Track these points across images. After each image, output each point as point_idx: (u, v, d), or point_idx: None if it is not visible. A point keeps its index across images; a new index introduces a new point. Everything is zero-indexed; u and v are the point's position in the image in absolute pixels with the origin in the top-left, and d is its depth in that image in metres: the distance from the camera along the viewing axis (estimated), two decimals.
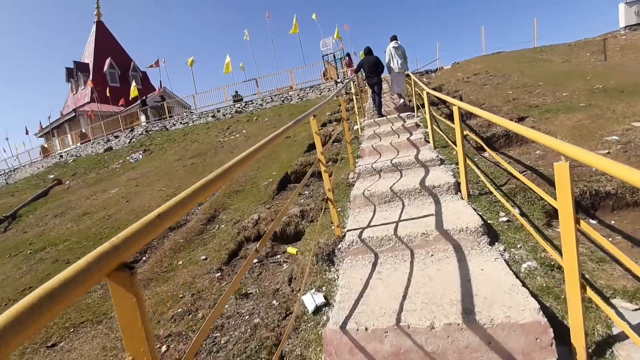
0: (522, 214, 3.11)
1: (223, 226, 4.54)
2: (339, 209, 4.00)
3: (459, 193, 3.61)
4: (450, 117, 7.42)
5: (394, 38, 8.73)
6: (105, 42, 32.65)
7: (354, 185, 4.69)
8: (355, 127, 7.72)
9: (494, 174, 3.83)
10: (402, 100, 9.24)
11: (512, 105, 6.67)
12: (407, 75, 10.66)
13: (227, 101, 17.83)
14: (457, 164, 4.63)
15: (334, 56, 17.62)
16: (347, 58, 17.63)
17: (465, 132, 4.20)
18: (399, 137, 6.39)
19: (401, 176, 4.45)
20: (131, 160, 14.66)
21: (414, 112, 8.23)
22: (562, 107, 5.55)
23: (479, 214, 3.06)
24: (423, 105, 8.78)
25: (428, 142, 5.68)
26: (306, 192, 5.13)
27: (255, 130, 11.91)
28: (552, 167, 1.87)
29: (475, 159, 4.85)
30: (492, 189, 3.15)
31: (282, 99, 16.29)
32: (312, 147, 7.88)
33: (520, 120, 5.54)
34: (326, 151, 6.48)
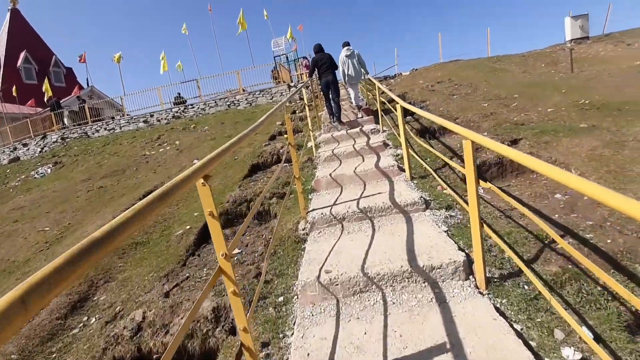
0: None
1: (93, 322, 2.75)
2: (281, 298, 2.45)
3: (471, 278, 2.23)
4: (422, 132, 6.23)
5: (346, 44, 7.46)
6: (21, 33, 27.86)
7: (305, 242, 3.18)
8: (309, 145, 6.25)
9: (518, 240, 2.52)
10: (360, 104, 7.95)
11: (493, 122, 5.61)
12: (370, 81, 9.47)
13: (163, 104, 15.43)
14: (447, 208, 3.32)
15: (287, 58, 16.06)
16: (305, 61, 16.18)
17: (443, 158, 2.87)
18: (363, 160, 5.00)
19: (373, 232, 3.01)
20: (36, 175, 11.80)
21: (376, 119, 6.98)
22: (560, 128, 4.53)
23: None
24: (385, 112, 7.60)
25: (403, 170, 4.36)
26: (240, 249, 3.50)
27: (191, 141, 9.95)
28: None
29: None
30: (538, 284, 1.81)
31: (228, 103, 14.37)
32: (256, 168, 6.26)
33: (514, 143, 4.42)
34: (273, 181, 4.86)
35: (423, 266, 2.21)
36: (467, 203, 2.49)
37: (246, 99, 14.27)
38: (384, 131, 6.37)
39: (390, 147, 5.40)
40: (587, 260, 1.46)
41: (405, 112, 7.40)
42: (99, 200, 6.54)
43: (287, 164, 6.13)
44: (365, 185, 4.17)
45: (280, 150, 6.58)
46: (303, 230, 3.37)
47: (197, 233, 3.84)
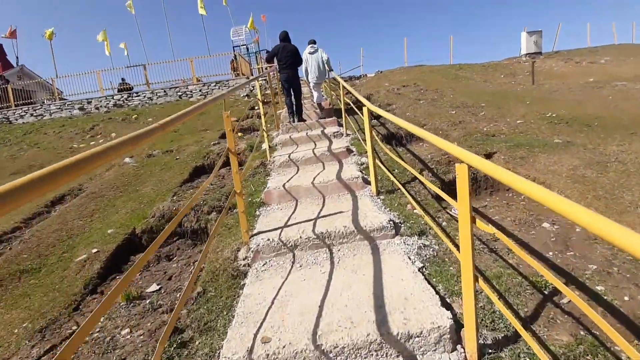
0: None
1: None
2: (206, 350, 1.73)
3: (459, 348, 1.66)
4: (389, 138, 5.73)
5: (311, 42, 6.72)
6: None
7: (245, 276, 2.46)
8: (263, 147, 5.49)
9: (511, 288, 2.00)
10: (319, 106, 7.32)
11: (462, 131, 5.25)
12: (335, 80, 8.91)
13: (103, 90, 13.69)
14: (419, 235, 2.77)
15: (247, 49, 15.03)
16: (267, 55, 15.17)
17: (412, 171, 2.31)
18: (324, 168, 4.37)
19: (332, 267, 2.37)
20: None
21: (339, 121, 6.40)
22: (534, 142, 4.22)
23: None
24: (348, 112, 7.03)
25: (368, 182, 3.78)
26: (159, 285, 2.68)
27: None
28: None
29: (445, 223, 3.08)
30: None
31: (180, 94, 13.07)
32: (200, 171, 5.37)
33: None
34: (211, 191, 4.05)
35: (397, 334, 1.60)
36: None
37: (200, 90, 13.06)
38: (347, 135, 5.79)
39: (354, 154, 4.82)
40: (612, 330, 0.94)
41: (371, 116, 6.94)
42: None
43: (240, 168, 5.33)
44: (324, 200, 3.52)
45: (227, 145, 5.74)
46: (244, 259, 2.65)
47: (106, 259, 2.95)
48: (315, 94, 7.25)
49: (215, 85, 13.18)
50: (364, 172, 4.13)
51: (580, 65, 13.72)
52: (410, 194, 3.55)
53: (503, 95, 7.84)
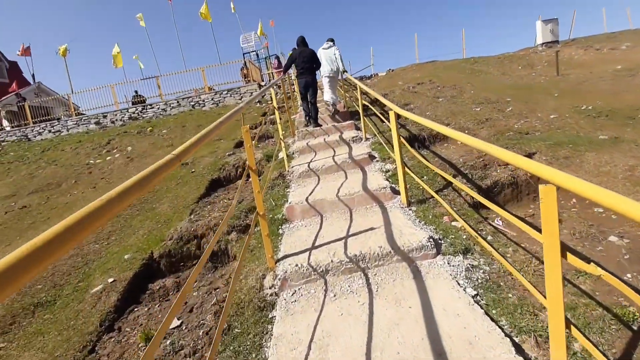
0: None
1: None
2: None
3: None
4: (410, 140, 5.42)
5: (329, 40, 6.66)
6: None
7: (273, 308, 2.22)
8: (280, 156, 5.26)
9: (609, 339, 1.68)
10: (334, 107, 7.10)
11: (492, 129, 4.90)
12: (348, 81, 8.66)
13: (117, 103, 13.79)
14: (464, 253, 2.48)
15: (257, 55, 14.92)
16: (275, 61, 15.07)
17: (446, 177, 2.01)
18: (346, 177, 4.10)
19: (371, 298, 2.10)
20: None
21: (355, 123, 6.12)
22: (577, 140, 3.85)
23: None
24: (365, 112, 6.75)
25: (396, 192, 3.49)
26: (179, 319, 2.47)
27: (145, 147, 8.64)
28: None
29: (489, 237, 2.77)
30: None
31: (193, 103, 13.03)
32: (216, 184, 5.18)
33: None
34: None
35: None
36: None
37: (212, 99, 13.00)
38: (367, 139, 5.51)
39: (377, 160, 4.53)
40: None
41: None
42: (15, 227, 5.20)
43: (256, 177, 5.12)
44: (351, 214, 3.25)
45: (247, 162, 5.54)
46: (270, 288, 2.41)
47: (123, 290, 2.76)
48: (328, 94, 6.98)
49: (227, 93, 13.09)
50: (390, 180, 3.84)
51: (601, 52, 13.03)
52: (447, 204, 3.26)
53: (527, 88, 7.42)
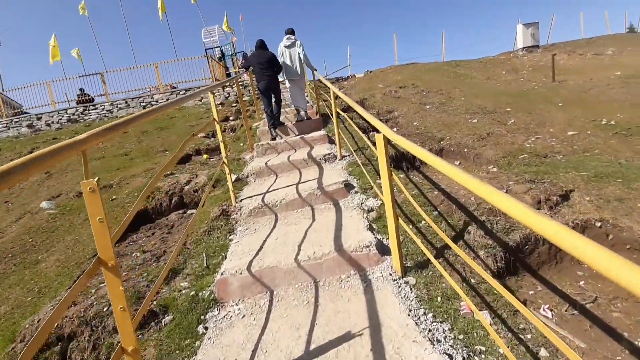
0: None
1: None
2: None
3: None
4: (397, 160, 4.33)
5: (288, 32, 5.58)
6: None
7: None
8: (233, 178, 4.00)
9: None
10: (301, 113, 6.02)
11: (497, 148, 3.90)
12: (320, 83, 7.51)
13: (54, 103, 11.89)
14: None
15: (222, 51, 13.42)
16: (242, 59, 13.62)
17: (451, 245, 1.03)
18: (314, 220, 2.91)
19: None
20: None
21: (328, 134, 4.95)
22: (626, 171, 2.88)
23: None
24: (337, 116, 5.62)
25: (386, 252, 2.34)
26: None
27: (72, 159, 7.06)
28: None
29: None
30: None
31: (144, 104, 11.42)
32: (140, 219, 3.84)
33: (564, 198, 2.63)
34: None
35: None
36: None
37: (167, 100, 11.43)
38: (342, 157, 4.35)
39: (356, 191, 3.37)
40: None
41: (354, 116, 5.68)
42: None
43: (193, 211, 3.82)
44: (317, 295, 2.06)
45: (186, 187, 4.21)
46: None
47: None
48: (295, 100, 5.89)
49: (184, 93, 11.57)
50: (375, 227, 2.69)
51: (585, 58, 12.68)
52: (458, 274, 2.14)
53: (523, 96, 6.55)
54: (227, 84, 11.25)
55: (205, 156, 5.97)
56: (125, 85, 11.89)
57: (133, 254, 2.97)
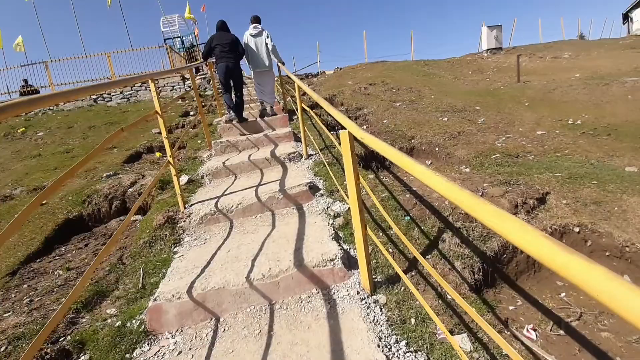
0: None
1: None
2: None
3: None
4: (366, 159, 4.08)
5: (254, 20, 5.22)
6: None
7: None
8: (185, 180, 3.55)
9: None
10: (267, 108, 5.70)
11: (469, 148, 3.75)
12: (288, 78, 7.19)
13: None
14: None
15: (182, 41, 12.60)
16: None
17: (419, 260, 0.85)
18: (273, 227, 2.58)
19: None
20: None
21: (294, 131, 4.61)
22: (599, 173, 2.78)
23: None
24: (307, 116, 5.30)
25: (352, 266, 2.04)
26: None
27: (5, 156, 6.19)
28: None
29: None
30: None
31: (95, 97, 10.44)
32: (65, 231, 3.29)
33: (541, 202, 2.47)
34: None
35: None
36: None
37: (122, 93, 10.55)
38: (309, 156, 4.03)
39: (321, 194, 3.06)
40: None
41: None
42: None
43: (139, 217, 3.33)
44: (271, 323, 1.73)
45: (130, 190, 3.70)
46: None
47: None
48: (262, 93, 5.61)
49: (141, 86, 10.73)
50: (341, 236, 2.40)
51: (545, 60, 13.24)
52: (433, 289, 1.90)
53: (491, 95, 6.56)
54: (181, 73, 10.54)
55: (158, 154, 5.41)
56: (73, 76, 10.81)
57: (55, 272, 2.47)
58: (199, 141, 5.41)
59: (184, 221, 2.79)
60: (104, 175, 4.15)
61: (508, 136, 4.03)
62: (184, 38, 12.50)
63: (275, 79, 9.39)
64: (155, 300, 1.80)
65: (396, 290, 1.89)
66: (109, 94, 10.38)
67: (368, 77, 10.07)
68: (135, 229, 3.12)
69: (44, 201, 3.75)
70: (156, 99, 2.86)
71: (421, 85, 7.96)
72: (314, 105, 6.16)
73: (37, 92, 11.63)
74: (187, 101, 9.60)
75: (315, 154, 4.05)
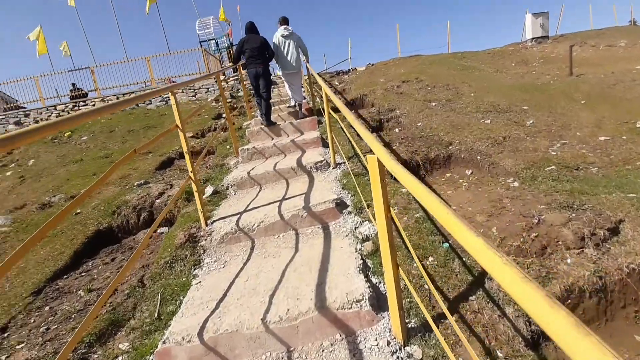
0: None
1: None
2: None
3: None
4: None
5: (283, 22, 5.20)
6: None
7: None
8: (209, 192, 3.47)
9: None
10: (297, 105, 5.82)
11: (517, 157, 3.33)
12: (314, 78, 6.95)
13: (43, 99, 11.38)
14: None
15: (217, 43, 12.78)
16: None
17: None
18: (297, 251, 2.39)
19: None
20: None
21: (322, 136, 4.39)
22: None
23: None
24: (327, 114, 5.05)
25: (382, 307, 1.80)
26: None
27: (51, 161, 6.55)
28: None
29: None
30: None
31: None
32: (96, 243, 3.32)
33: (614, 233, 2.06)
34: None
35: None
36: None
37: (160, 95, 10.87)
38: (336, 165, 3.79)
39: (349, 211, 2.82)
40: None
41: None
42: None
43: (165, 230, 3.29)
44: None
45: (157, 201, 3.68)
46: None
47: None
48: (292, 93, 5.67)
49: (177, 89, 10.99)
50: (370, 265, 2.15)
51: (598, 49, 11.93)
52: (480, 342, 1.61)
53: (539, 91, 5.92)
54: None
55: (182, 163, 5.44)
56: (116, 80, 11.33)
57: (78, 292, 2.45)
58: (227, 146, 5.36)
59: (205, 239, 2.67)
60: (135, 184, 4.19)
61: (564, 142, 3.54)
62: (218, 40, 12.67)
63: (305, 77, 9.25)
64: (164, 342, 1.67)
65: (434, 341, 1.62)
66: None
67: (401, 73, 9.59)
68: (161, 242, 3.08)
69: (78, 211, 3.85)
70: (176, 112, 2.76)
71: (459, 82, 7.40)
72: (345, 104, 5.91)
73: (85, 95, 12.33)
74: (220, 103, 9.70)
75: (344, 163, 3.80)
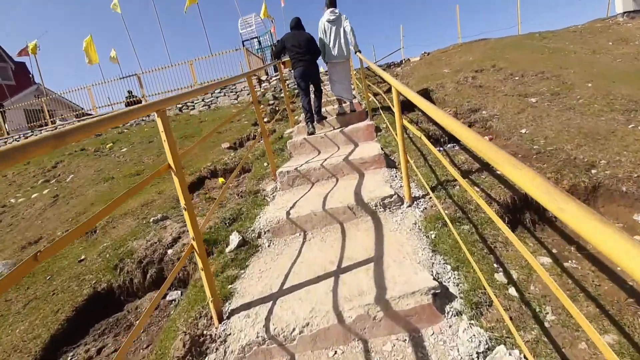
0: None
1: None
2: None
3: None
4: (501, 205, 2.48)
5: (331, 4, 4.48)
6: None
7: None
8: (231, 245, 2.50)
9: None
10: (346, 103, 4.91)
11: None
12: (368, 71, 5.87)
13: (95, 108, 11.52)
14: None
15: (259, 42, 12.03)
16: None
17: None
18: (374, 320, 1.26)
19: None
20: None
21: (384, 152, 3.22)
22: None
23: None
24: (385, 110, 3.73)
25: None
26: None
27: (88, 176, 6.14)
28: None
29: None
30: None
31: (180, 106, 10.50)
32: (89, 312, 2.50)
33: None
34: None
35: None
36: None
37: (203, 100, 10.39)
38: (413, 201, 2.60)
39: (459, 311, 1.63)
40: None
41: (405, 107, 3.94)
42: None
43: (177, 296, 2.38)
44: None
45: (169, 251, 2.78)
46: None
47: None
48: (339, 88, 4.72)
49: (220, 92, 10.44)
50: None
51: None
52: None
53: None
54: (257, 74, 9.82)
55: (221, 180, 4.58)
56: (161, 86, 11.12)
57: None
58: (265, 164, 4.41)
59: (214, 353, 1.66)
60: (152, 220, 3.36)
61: None
62: (260, 38, 11.92)
63: (355, 72, 7.99)
64: None
65: None
66: (192, 102, 10.30)
67: (470, 61, 7.97)
68: (169, 314, 2.17)
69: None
70: (167, 144, 1.77)
71: (555, 67, 5.71)
72: (404, 103, 4.66)
73: (140, 102, 12.35)
74: (262, 105, 8.89)
75: (424, 197, 2.60)
